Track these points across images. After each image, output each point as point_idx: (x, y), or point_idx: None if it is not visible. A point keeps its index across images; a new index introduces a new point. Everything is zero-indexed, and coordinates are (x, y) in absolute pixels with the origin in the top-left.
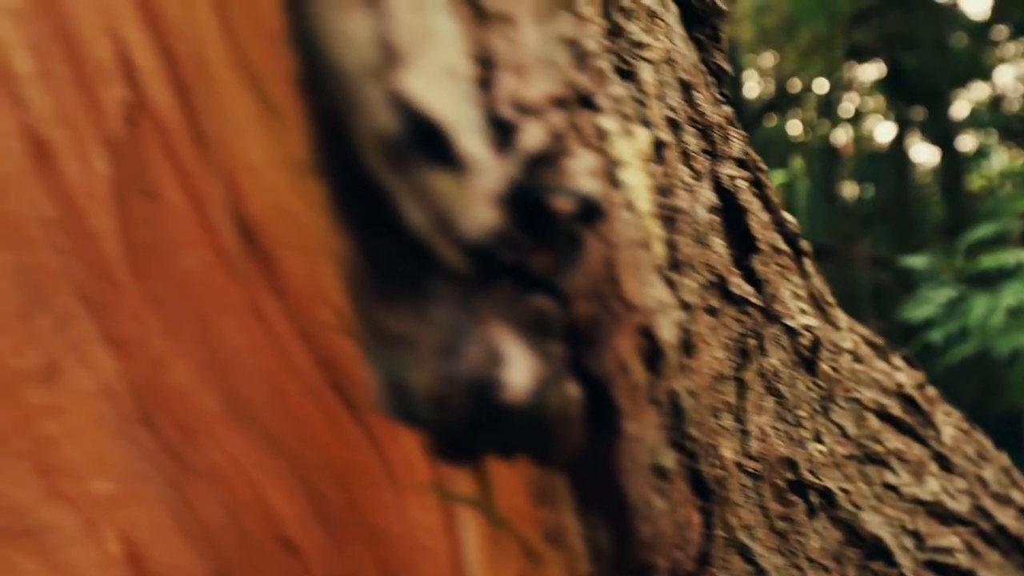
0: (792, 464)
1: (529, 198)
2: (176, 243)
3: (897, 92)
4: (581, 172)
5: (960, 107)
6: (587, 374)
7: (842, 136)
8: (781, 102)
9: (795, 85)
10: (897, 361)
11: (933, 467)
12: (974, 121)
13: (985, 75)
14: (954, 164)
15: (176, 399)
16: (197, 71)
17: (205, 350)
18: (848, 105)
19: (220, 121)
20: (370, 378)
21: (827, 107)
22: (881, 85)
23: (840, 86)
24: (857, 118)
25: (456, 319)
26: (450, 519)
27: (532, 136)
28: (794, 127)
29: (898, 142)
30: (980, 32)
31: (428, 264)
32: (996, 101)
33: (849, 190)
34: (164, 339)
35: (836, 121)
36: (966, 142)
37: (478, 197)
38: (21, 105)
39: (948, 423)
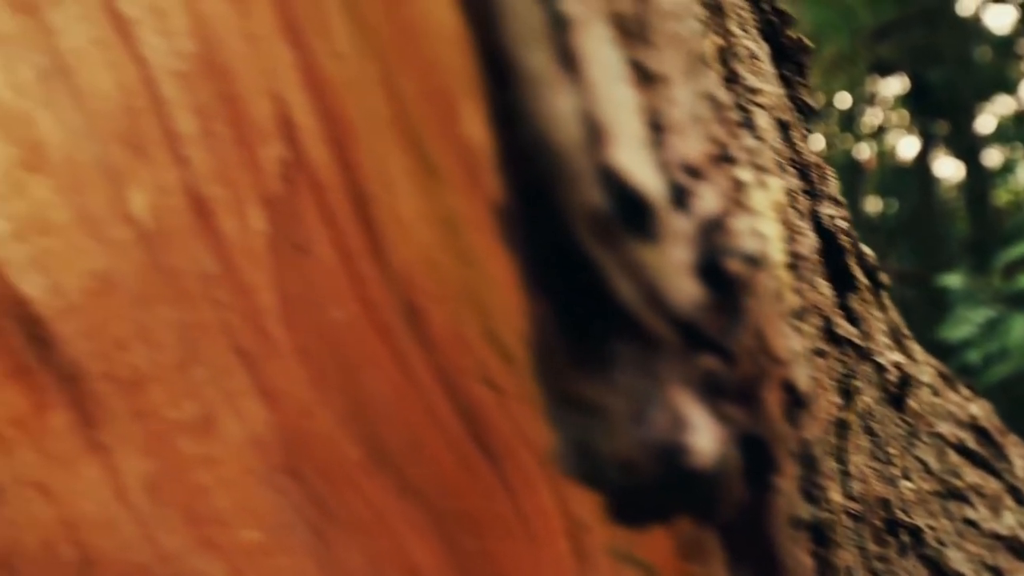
0: (886, 503)
1: (711, 264)
2: (325, 296)
3: (921, 106)
4: (745, 231)
5: (985, 121)
6: (748, 432)
7: (865, 151)
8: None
9: (818, 100)
10: (965, 391)
11: (1009, 501)
12: (999, 135)
13: (1010, 89)
14: (979, 179)
15: (321, 448)
16: (355, 130)
17: (348, 400)
18: (871, 120)
19: (373, 177)
20: (553, 440)
21: (850, 122)
22: (905, 100)
23: (863, 101)
24: (880, 133)
25: (641, 383)
26: (588, 570)
27: (707, 201)
28: (817, 142)
29: (922, 157)
30: (1004, 46)
31: (631, 335)
32: (1021, 115)
33: (873, 205)
34: (310, 389)
35: (859, 136)
36: (991, 157)
37: (680, 268)
38: (183, 164)
39: (1018, 454)
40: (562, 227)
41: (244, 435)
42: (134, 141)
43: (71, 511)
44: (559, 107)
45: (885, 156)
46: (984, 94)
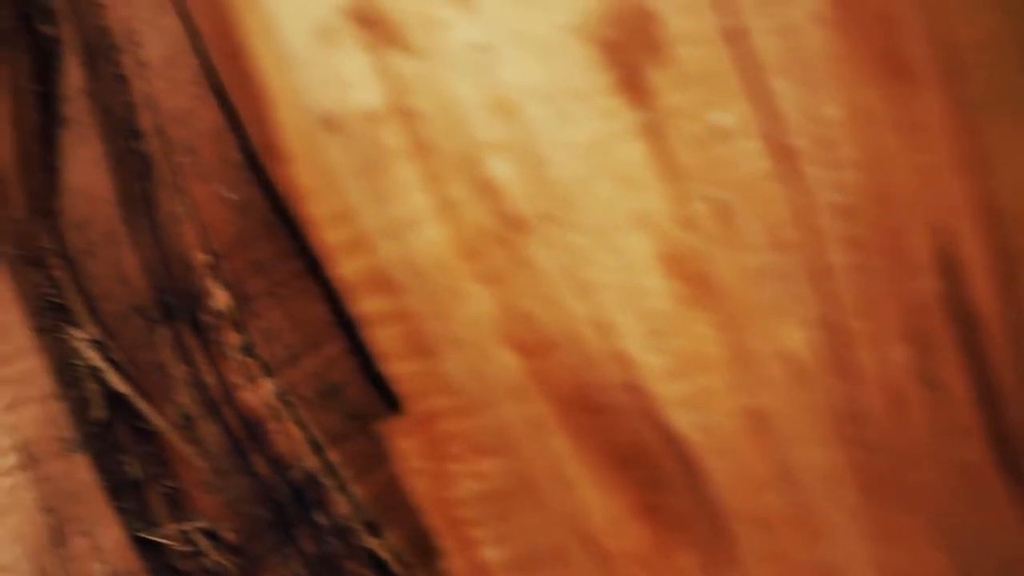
0: None
1: None
2: (952, 432)
3: None
4: None
5: None
6: None
7: None
8: None
9: None
10: None
11: None
12: None
13: None
14: None
15: None
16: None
17: (960, 543)
18: None
19: None
20: None
21: None
22: None
23: None
24: None
25: None
26: None
27: None
28: None
29: None
30: None
31: None
32: None
33: None
34: (928, 531)
35: None
36: None
37: None
38: (830, 297)
39: None
40: None
41: None
42: (788, 274)
43: None
44: None
45: None
46: None
